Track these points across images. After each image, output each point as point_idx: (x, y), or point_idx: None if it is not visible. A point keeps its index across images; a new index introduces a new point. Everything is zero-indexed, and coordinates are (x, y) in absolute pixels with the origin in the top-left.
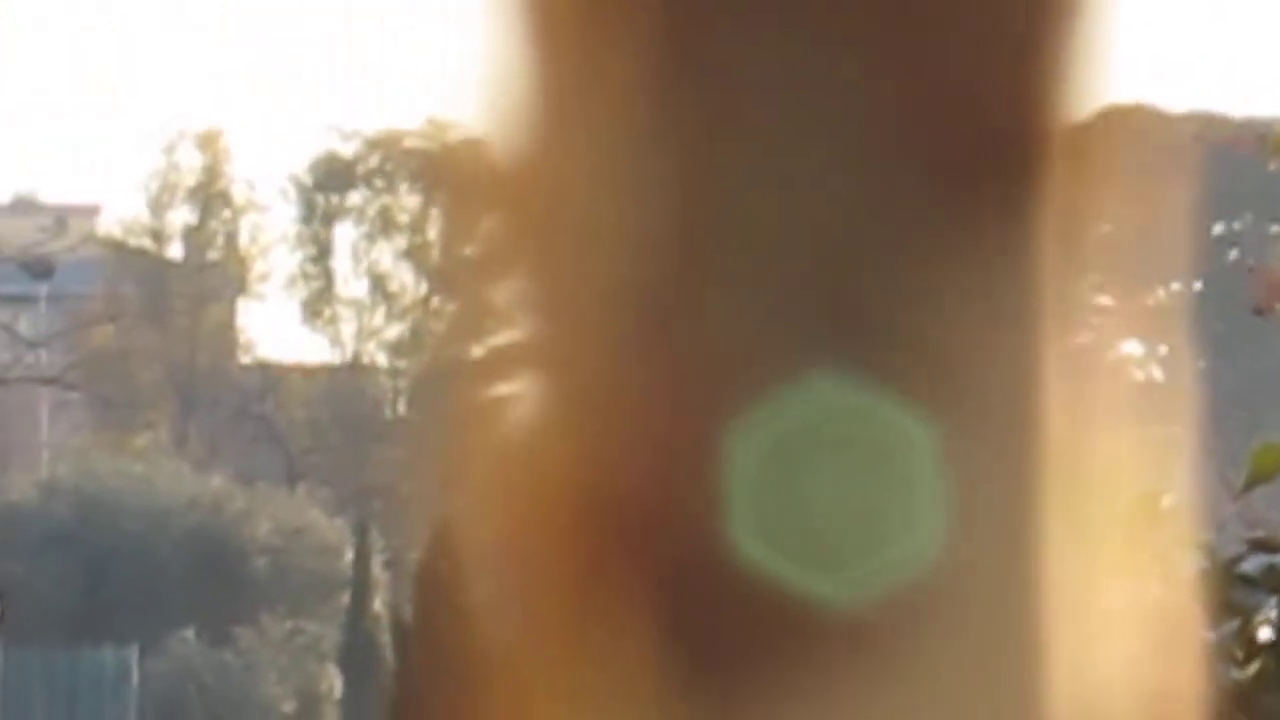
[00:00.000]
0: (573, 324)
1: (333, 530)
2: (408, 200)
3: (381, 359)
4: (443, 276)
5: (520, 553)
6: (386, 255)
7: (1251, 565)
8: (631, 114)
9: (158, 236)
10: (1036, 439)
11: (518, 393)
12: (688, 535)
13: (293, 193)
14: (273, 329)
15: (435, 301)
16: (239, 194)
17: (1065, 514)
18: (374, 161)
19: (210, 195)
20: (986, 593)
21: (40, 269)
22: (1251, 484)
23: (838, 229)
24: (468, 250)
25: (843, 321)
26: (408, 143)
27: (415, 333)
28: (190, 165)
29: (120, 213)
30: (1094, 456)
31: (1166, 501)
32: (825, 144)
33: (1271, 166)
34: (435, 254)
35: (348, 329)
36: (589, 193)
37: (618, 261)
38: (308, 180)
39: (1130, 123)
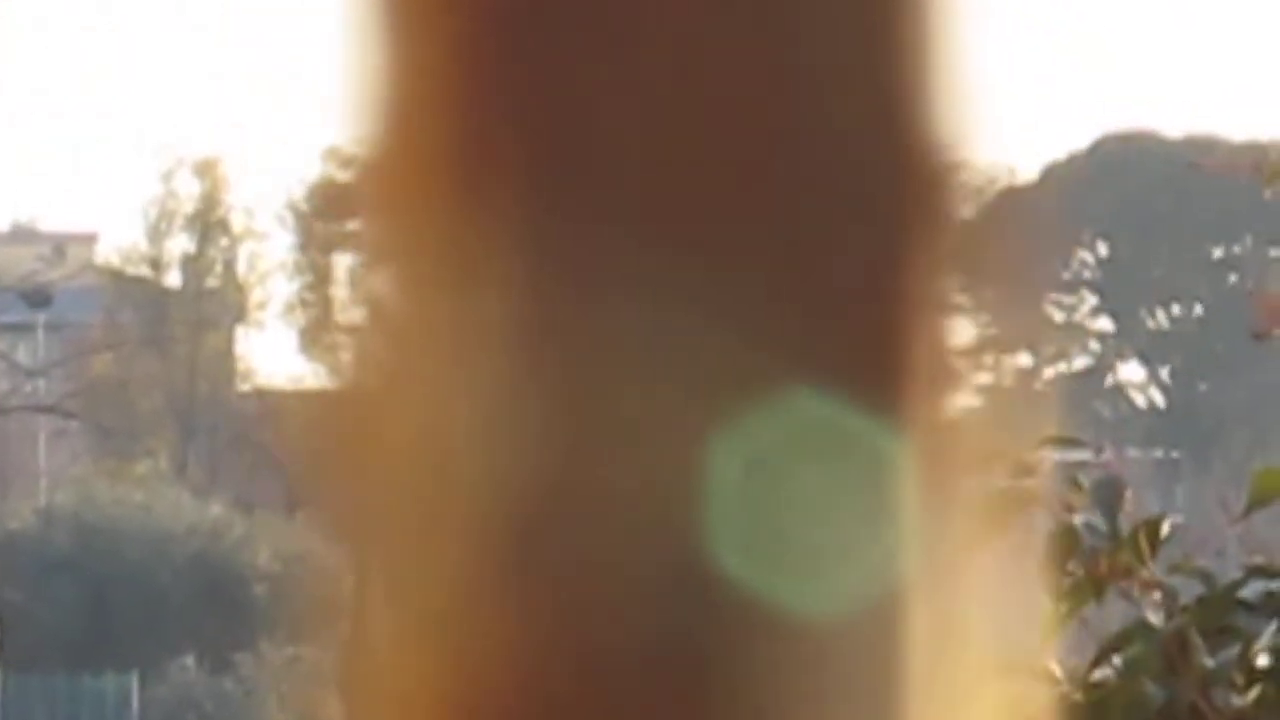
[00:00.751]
0: (435, 559)
1: (333, 556)
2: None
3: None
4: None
5: None
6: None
7: (1251, 591)
8: (500, 364)
9: (156, 264)
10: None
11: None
12: None
13: (290, 219)
14: (272, 356)
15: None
16: (237, 221)
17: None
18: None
19: (208, 223)
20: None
21: (38, 297)
22: (1252, 508)
23: (689, 480)
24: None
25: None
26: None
27: None
28: (188, 193)
29: (118, 241)
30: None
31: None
32: (683, 402)
33: (1268, 193)
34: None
35: (345, 355)
36: (454, 436)
37: (481, 501)
38: (305, 207)
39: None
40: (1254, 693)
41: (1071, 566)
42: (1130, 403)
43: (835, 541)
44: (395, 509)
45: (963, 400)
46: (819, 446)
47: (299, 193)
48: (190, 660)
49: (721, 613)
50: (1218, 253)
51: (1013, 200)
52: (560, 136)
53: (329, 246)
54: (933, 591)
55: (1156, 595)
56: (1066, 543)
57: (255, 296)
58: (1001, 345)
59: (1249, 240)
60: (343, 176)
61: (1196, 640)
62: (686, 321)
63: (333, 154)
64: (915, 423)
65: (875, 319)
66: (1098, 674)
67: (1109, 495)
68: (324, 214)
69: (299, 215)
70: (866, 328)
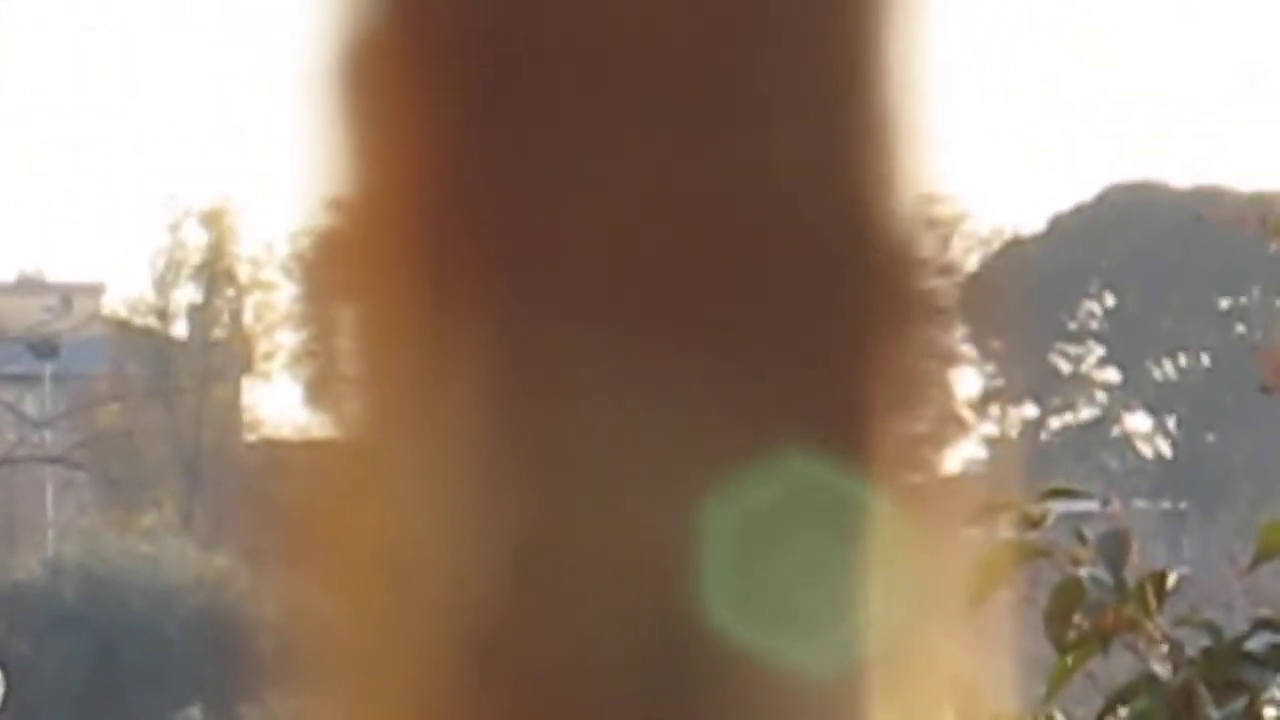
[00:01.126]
0: (396, 676)
1: (334, 610)
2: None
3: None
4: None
5: None
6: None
7: (1258, 644)
8: (462, 471)
9: (163, 315)
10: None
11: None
12: None
13: (295, 270)
14: (279, 407)
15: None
16: (243, 272)
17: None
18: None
19: (215, 273)
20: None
21: (45, 349)
22: (1259, 560)
23: (658, 583)
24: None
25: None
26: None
27: None
28: (195, 243)
29: (125, 291)
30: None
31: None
32: (649, 483)
33: (1274, 247)
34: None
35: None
36: (415, 547)
37: (446, 587)
38: (309, 257)
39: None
40: None
41: (1077, 619)
42: (1137, 453)
43: (826, 603)
44: (357, 621)
45: (968, 451)
46: (798, 512)
47: (303, 243)
48: (196, 712)
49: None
50: (1225, 303)
51: (1019, 252)
52: (525, 230)
53: (333, 297)
54: (931, 648)
55: (1163, 648)
56: (1072, 595)
57: (262, 347)
58: (1007, 396)
59: (1256, 291)
60: (344, 227)
61: (1203, 693)
62: (656, 420)
63: (334, 204)
64: (898, 488)
65: (845, 397)
66: None
67: (1115, 548)
68: (326, 264)
69: (303, 265)
70: (837, 407)
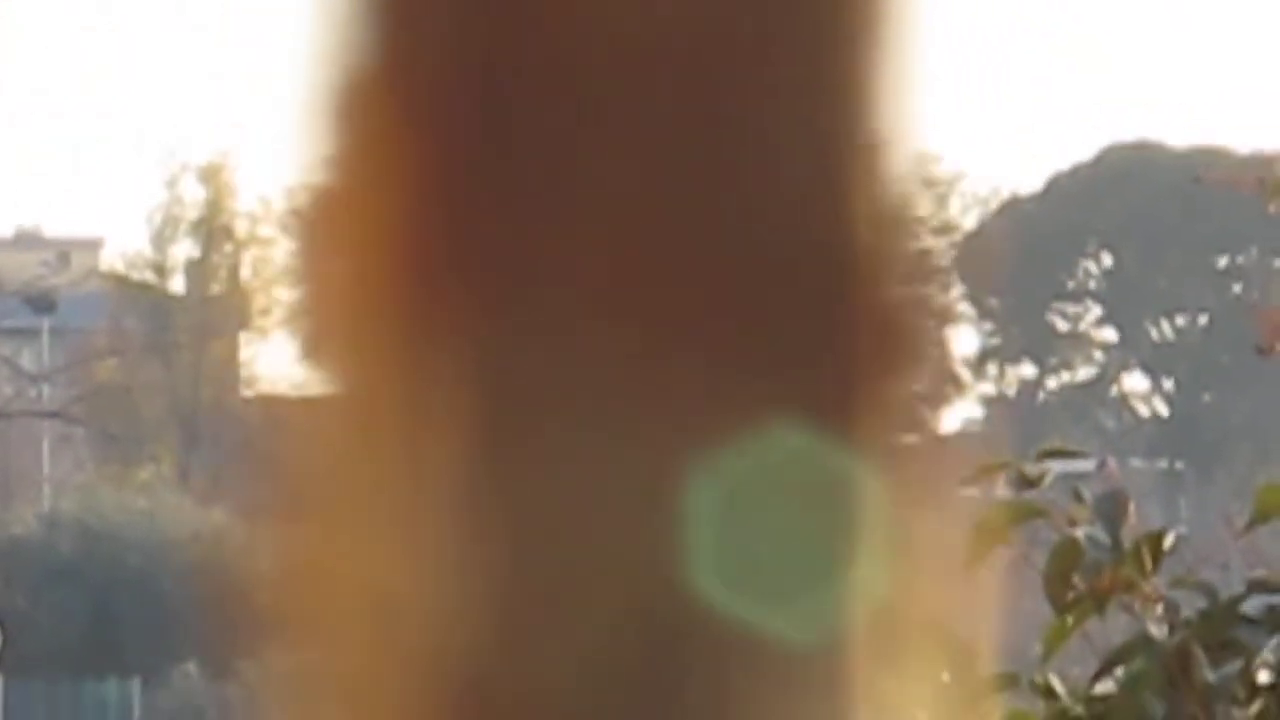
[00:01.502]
0: (395, 600)
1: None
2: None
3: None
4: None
5: None
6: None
7: (1254, 605)
8: (461, 403)
9: (161, 271)
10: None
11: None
12: None
13: (293, 225)
14: (276, 363)
15: None
16: (241, 227)
17: None
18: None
19: (213, 229)
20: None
21: (43, 303)
22: (1256, 522)
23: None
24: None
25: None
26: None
27: None
28: (193, 199)
29: (123, 247)
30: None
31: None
32: (639, 534)
33: (1271, 209)
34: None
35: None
36: (416, 476)
37: (440, 542)
38: (306, 213)
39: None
40: (1256, 708)
41: (1074, 580)
42: (1134, 413)
43: (823, 567)
44: (353, 576)
45: (965, 411)
46: (794, 477)
47: (301, 198)
48: (192, 666)
49: None
50: (1223, 263)
51: (1017, 211)
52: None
53: (329, 252)
54: (928, 608)
55: (1159, 609)
56: (1069, 556)
57: (259, 303)
58: (1005, 355)
59: (1254, 251)
60: (340, 183)
61: (1199, 654)
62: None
63: (329, 160)
64: (895, 447)
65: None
66: (1099, 688)
67: (1112, 508)
68: (323, 220)
69: (301, 221)
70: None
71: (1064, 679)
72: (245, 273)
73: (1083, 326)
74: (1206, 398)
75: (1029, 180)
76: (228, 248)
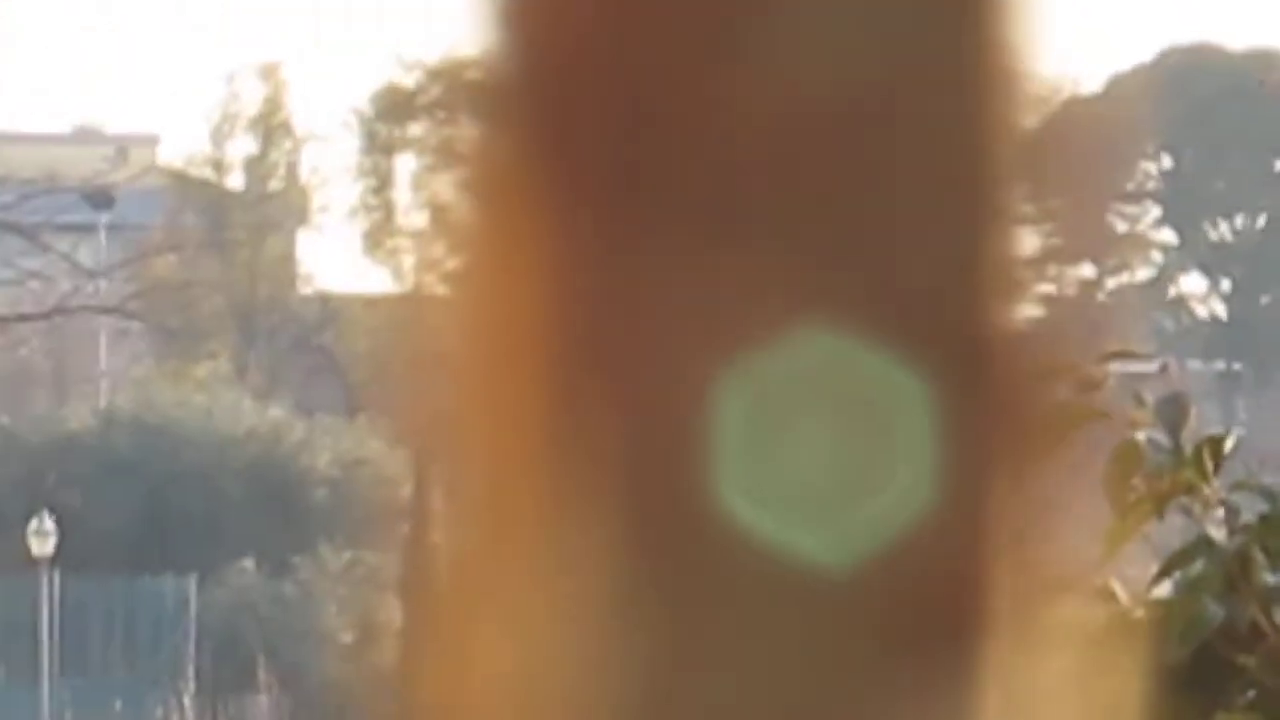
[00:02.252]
0: (502, 475)
1: (393, 461)
2: (469, 132)
3: (442, 290)
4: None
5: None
6: (448, 187)
7: None
8: (540, 302)
9: (219, 167)
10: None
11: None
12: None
13: (354, 124)
14: (334, 260)
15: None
16: (300, 125)
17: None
18: (436, 92)
19: (271, 126)
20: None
21: (101, 199)
22: None
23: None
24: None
25: None
26: (469, 74)
27: None
28: (251, 96)
29: (181, 143)
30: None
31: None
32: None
33: None
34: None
35: (409, 260)
36: (488, 376)
37: (506, 439)
38: (369, 111)
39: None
40: None
41: (1134, 483)
42: (1191, 314)
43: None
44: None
45: (1026, 311)
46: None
47: (364, 96)
48: (249, 563)
49: None
50: None
51: (1077, 111)
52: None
53: (392, 150)
54: (991, 510)
55: (1219, 512)
56: (1129, 459)
57: (318, 200)
58: (1065, 256)
59: None
60: (408, 81)
61: (1258, 557)
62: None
63: (399, 60)
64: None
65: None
66: (1158, 591)
67: (1174, 412)
68: (388, 118)
69: (362, 119)
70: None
71: (1123, 582)
72: (304, 170)
73: (1141, 227)
74: (1264, 299)
75: (1089, 81)
76: (286, 145)
